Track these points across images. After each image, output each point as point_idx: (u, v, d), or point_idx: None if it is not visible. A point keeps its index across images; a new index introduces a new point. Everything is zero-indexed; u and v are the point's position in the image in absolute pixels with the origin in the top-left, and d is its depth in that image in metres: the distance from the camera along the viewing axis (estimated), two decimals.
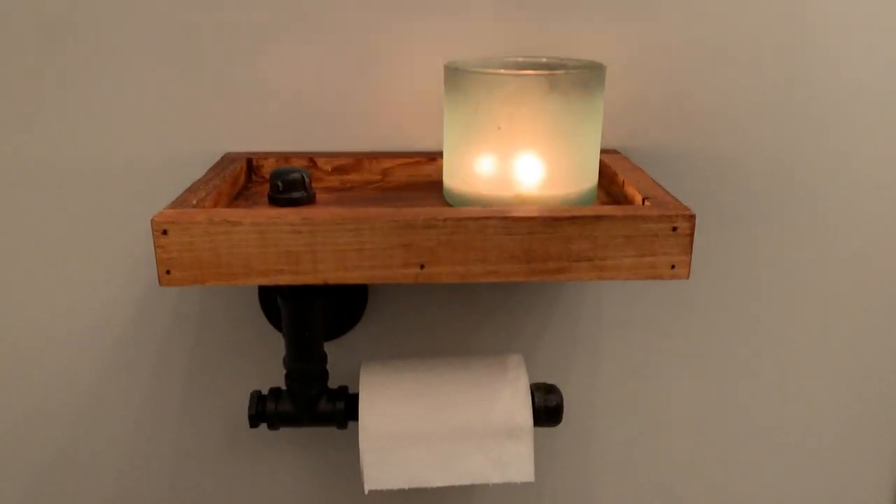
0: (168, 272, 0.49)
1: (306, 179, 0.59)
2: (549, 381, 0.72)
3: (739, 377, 0.75)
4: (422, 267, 0.50)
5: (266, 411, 0.65)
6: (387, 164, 0.66)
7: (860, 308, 0.73)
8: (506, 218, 0.49)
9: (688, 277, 0.51)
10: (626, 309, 0.73)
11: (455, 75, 0.54)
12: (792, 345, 0.74)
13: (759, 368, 0.75)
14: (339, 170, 0.66)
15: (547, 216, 0.49)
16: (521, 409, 0.62)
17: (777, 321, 0.73)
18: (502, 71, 0.52)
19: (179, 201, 0.52)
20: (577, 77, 0.53)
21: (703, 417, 0.76)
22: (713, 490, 0.78)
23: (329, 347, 0.72)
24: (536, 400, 0.65)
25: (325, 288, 0.64)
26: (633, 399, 0.75)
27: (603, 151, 0.66)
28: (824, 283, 0.73)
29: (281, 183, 0.59)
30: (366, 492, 0.62)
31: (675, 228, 0.50)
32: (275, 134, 0.67)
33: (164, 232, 0.48)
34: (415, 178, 0.66)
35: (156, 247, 0.49)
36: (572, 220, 0.49)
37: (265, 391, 0.73)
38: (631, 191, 0.56)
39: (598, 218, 0.49)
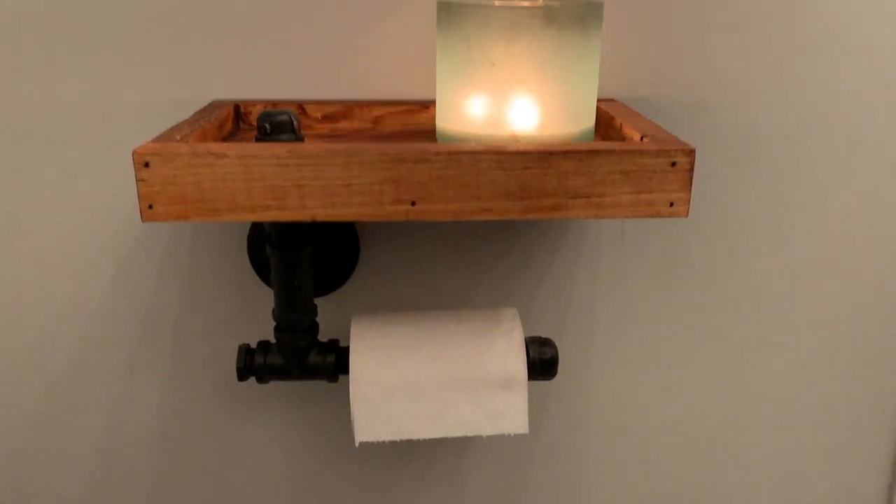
0: (150, 207, 0.47)
1: (295, 122, 0.58)
2: (545, 336, 0.71)
3: (738, 327, 0.74)
4: (413, 204, 0.49)
5: (255, 364, 0.64)
6: (378, 111, 0.64)
7: (862, 246, 0.72)
8: (500, 152, 0.48)
9: (686, 216, 0.49)
10: (623, 263, 0.71)
11: (447, 9, 0.53)
12: (792, 290, 0.73)
13: (758, 319, 0.74)
14: (329, 118, 0.64)
15: (542, 150, 0.48)
16: (515, 359, 0.61)
17: (778, 269, 0.72)
18: (496, 2, 0.50)
19: (162, 137, 0.50)
20: (573, 12, 0.52)
21: (701, 370, 0.75)
22: (710, 443, 0.77)
23: (319, 304, 0.70)
24: (531, 353, 0.63)
25: (314, 234, 0.62)
26: (630, 353, 0.74)
27: (600, 100, 0.65)
28: (824, 228, 0.71)
29: (268, 125, 0.57)
30: (356, 444, 0.61)
31: (674, 164, 0.48)
32: (263, 81, 0.65)
33: (146, 164, 0.47)
34: (408, 127, 0.65)
35: (137, 180, 0.47)
36: (568, 154, 0.48)
37: (255, 345, 0.72)
38: (629, 131, 0.54)
39: (594, 152, 0.48)
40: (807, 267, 0.72)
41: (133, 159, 0.47)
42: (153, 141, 0.49)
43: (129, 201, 0.67)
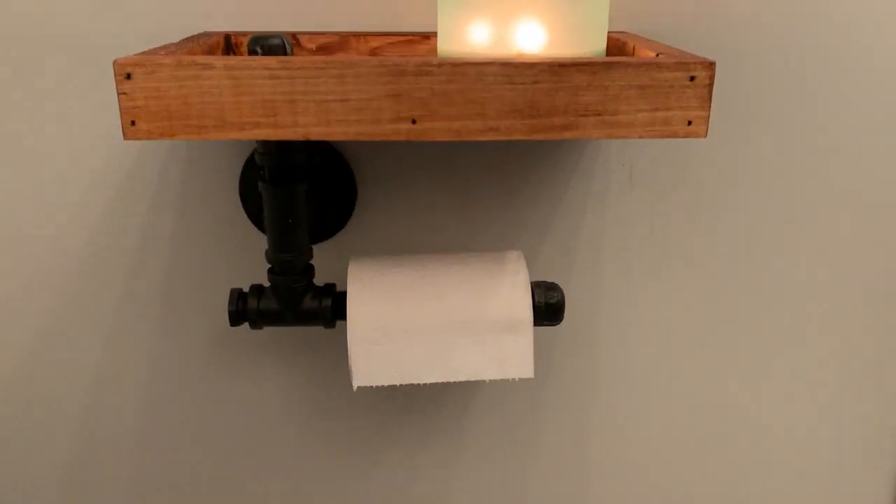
0: (133, 123, 0.44)
1: (287, 47, 0.55)
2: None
3: (751, 269, 0.71)
4: (413, 122, 0.45)
5: (247, 309, 0.61)
6: (376, 42, 0.61)
7: (881, 172, 0.69)
8: (507, 64, 0.44)
9: (705, 135, 0.46)
10: (632, 207, 0.68)
11: None
12: (808, 230, 0.70)
13: (772, 262, 0.71)
14: (323, 49, 0.61)
15: (552, 62, 0.44)
16: (520, 301, 0.58)
17: (792, 207, 0.69)
18: None
19: (146, 52, 0.47)
20: None
21: (713, 314, 0.72)
22: (721, 387, 0.74)
23: (316, 251, 0.68)
24: (537, 297, 0.60)
25: (308, 171, 0.59)
26: (638, 299, 0.71)
27: (611, 32, 0.62)
28: (842, 162, 0.68)
29: (260, 49, 0.54)
30: (354, 388, 0.58)
31: (692, 78, 0.45)
32: (255, 12, 0.62)
33: (128, 76, 0.43)
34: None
35: (119, 94, 0.44)
36: (581, 67, 0.45)
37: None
38: (643, 52, 0.51)
39: (609, 65, 0.45)
40: (823, 202, 0.69)
41: (114, 71, 0.43)
42: (136, 54, 0.45)
43: (115, 138, 0.64)
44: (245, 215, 0.67)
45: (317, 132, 0.45)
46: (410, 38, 0.61)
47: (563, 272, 0.69)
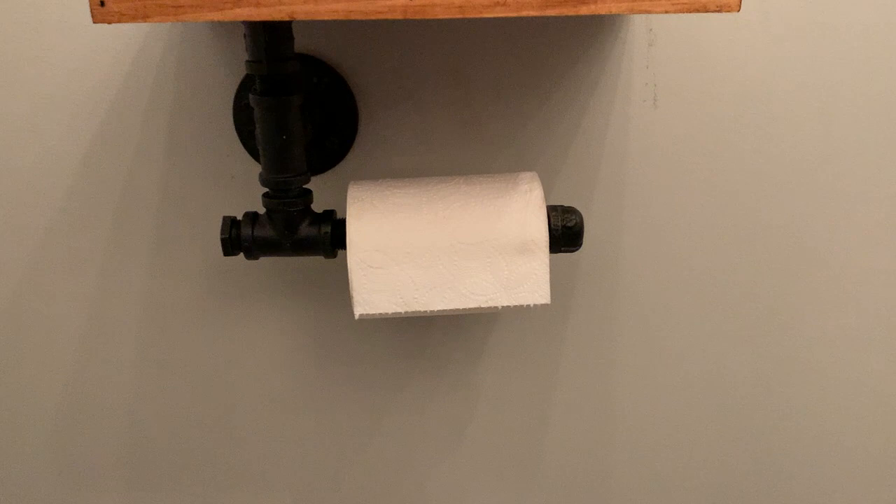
0: (102, 3, 0.40)
1: None
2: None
3: (780, 200, 0.65)
4: None
5: (241, 236, 0.57)
6: None
7: None
8: None
9: (738, 9, 0.41)
10: (655, 130, 0.63)
11: None
12: (843, 164, 0.64)
13: (802, 185, 0.65)
14: None
15: None
16: (534, 220, 0.53)
17: (824, 147, 0.64)
18: None
19: None
20: None
21: (738, 243, 0.67)
22: (743, 319, 0.69)
23: (316, 182, 0.64)
24: (553, 220, 0.56)
25: (303, 81, 0.55)
26: (662, 224, 0.66)
27: None
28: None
29: None
30: (356, 316, 0.54)
31: None
32: None
33: None
34: None
35: None
36: None
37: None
38: None
39: None
40: (861, 131, 0.64)
41: None
42: None
43: (102, 57, 0.60)
44: (241, 144, 0.63)
45: (303, 10, 0.41)
46: None
47: (582, 197, 0.64)
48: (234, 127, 0.63)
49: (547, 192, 0.64)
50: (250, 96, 0.54)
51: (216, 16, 0.41)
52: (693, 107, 0.63)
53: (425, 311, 0.54)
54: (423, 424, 0.71)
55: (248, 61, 0.53)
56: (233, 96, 0.62)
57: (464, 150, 0.63)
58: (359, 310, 0.54)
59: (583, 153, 0.64)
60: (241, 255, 0.63)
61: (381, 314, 0.54)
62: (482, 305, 0.54)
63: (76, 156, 0.63)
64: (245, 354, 0.69)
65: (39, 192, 0.64)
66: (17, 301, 0.67)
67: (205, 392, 0.70)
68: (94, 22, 0.40)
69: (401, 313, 0.54)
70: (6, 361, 0.68)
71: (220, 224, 0.65)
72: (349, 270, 0.53)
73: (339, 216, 0.59)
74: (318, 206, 0.62)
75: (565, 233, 0.56)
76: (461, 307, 0.54)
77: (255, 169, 0.63)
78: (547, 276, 0.53)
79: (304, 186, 0.57)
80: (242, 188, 0.64)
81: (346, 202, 0.62)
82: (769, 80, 0.62)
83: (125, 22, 0.41)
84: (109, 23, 0.41)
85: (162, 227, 0.65)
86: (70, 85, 0.61)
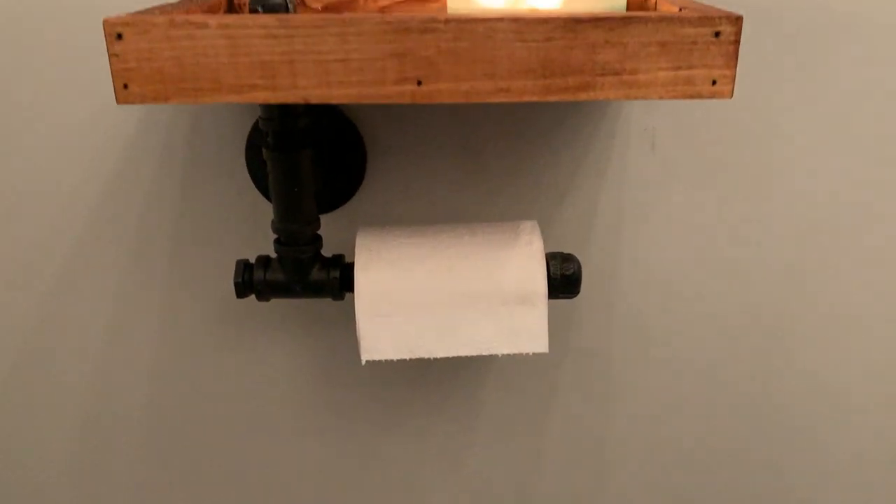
0: (125, 87, 0.42)
1: (290, 6, 0.52)
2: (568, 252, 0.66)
3: (776, 243, 0.68)
4: (419, 83, 0.43)
5: (254, 280, 0.59)
6: (384, 1, 0.58)
7: None
8: (518, 20, 0.42)
9: (731, 96, 0.43)
10: (653, 175, 0.65)
11: None
12: (839, 206, 0.67)
13: (798, 237, 0.68)
14: (329, 8, 0.58)
15: (567, 18, 0.42)
16: (534, 272, 0.56)
17: (822, 177, 0.66)
18: None
19: (140, 12, 0.45)
20: None
21: (734, 288, 0.69)
22: (741, 366, 0.72)
23: (324, 221, 0.66)
24: (552, 268, 0.58)
25: (314, 135, 0.57)
26: (658, 271, 0.68)
27: None
28: (880, 116, 0.65)
29: (261, 8, 0.51)
30: (363, 362, 0.56)
31: (717, 34, 0.42)
32: None
33: (119, 36, 0.41)
34: None
35: (110, 55, 0.42)
36: (597, 22, 0.42)
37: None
38: (665, 6, 0.48)
39: (627, 20, 0.42)
40: (857, 180, 0.66)
41: (104, 30, 0.41)
42: (128, 14, 0.43)
43: (117, 110, 0.62)
44: (252, 184, 0.65)
45: (317, 95, 0.43)
46: None
47: (580, 242, 0.67)
48: (245, 167, 0.65)
49: (546, 234, 0.67)
50: (263, 150, 0.56)
51: (234, 98, 0.43)
52: (690, 151, 0.65)
53: (429, 357, 0.56)
54: (421, 460, 0.74)
55: (260, 117, 0.55)
56: (245, 137, 0.64)
57: (466, 193, 0.66)
58: (365, 356, 0.56)
59: (581, 196, 0.66)
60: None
61: (386, 360, 0.56)
62: (483, 353, 0.56)
63: (94, 196, 0.65)
64: (254, 389, 0.72)
65: (57, 232, 0.66)
66: (36, 337, 0.69)
67: (214, 423, 0.73)
68: (118, 103, 0.43)
69: (405, 359, 0.56)
70: (27, 387, 0.71)
71: (230, 263, 0.67)
72: (357, 319, 0.56)
73: (346, 259, 0.61)
74: (326, 243, 0.64)
75: (564, 281, 0.59)
76: (463, 354, 0.57)
77: (266, 207, 0.66)
78: (545, 327, 0.56)
79: (314, 233, 0.59)
80: (253, 225, 0.66)
81: (353, 244, 0.64)
82: (766, 123, 0.64)
83: (147, 103, 0.43)
84: (132, 104, 0.43)
85: (176, 266, 0.67)
86: (91, 125, 0.63)
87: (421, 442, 0.74)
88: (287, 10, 0.52)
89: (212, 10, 0.54)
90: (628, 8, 0.54)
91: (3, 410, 0.72)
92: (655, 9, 0.50)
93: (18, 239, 0.66)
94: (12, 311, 0.69)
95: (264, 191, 0.65)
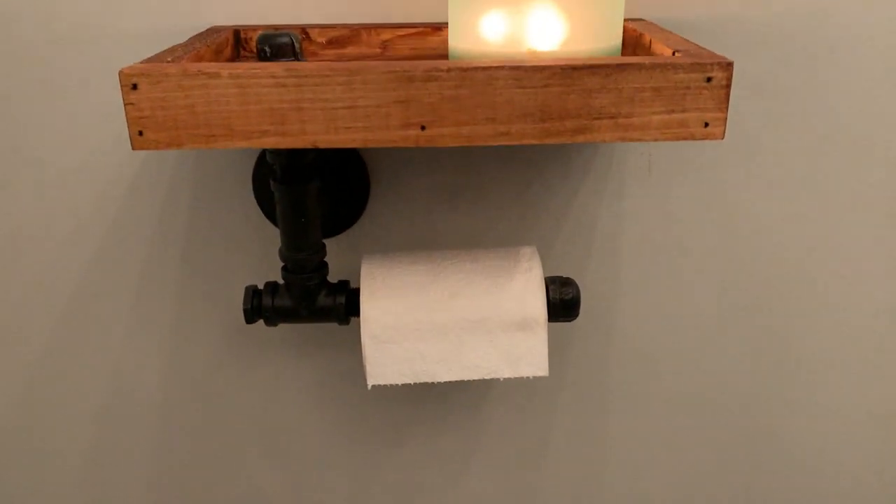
0: (140, 133, 0.44)
1: (296, 45, 0.54)
2: (566, 276, 0.68)
3: (772, 270, 0.70)
4: (422, 128, 0.45)
5: (262, 306, 0.61)
6: (387, 35, 0.60)
7: None
8: (517, 68, 0.43)
9: (722, 137, 0.45)
10: (650, 199, 0.67)
11: None
12: (830, 227, 0.68)
13: (793, 259, 0.69)
14: (334, 42, 0.60)
15: (564, 65, 0.43)
16: (534, 299, 0.58)
17: (817, 207, 0.68)
18: None
19: (153, 59, 0.46)
20: None
21: (730, 314, 0.71)
22: (737, 388, 0.74)
23: (329, 244, 0.67)
24: (551, 293, 0.60)
25: (320, 168, 0.59)
26: (655, 293, 0.70)
27: (628, 20, 0.60)
28: (868, 160, 0.66)
29: (268, 48, 0.53)
30: (368, 387, 0.58)
31: (709, 79, 0.44)
32: (264, 5, 0.61)
33: (134, 86, 0.43)
34: (418, 51, 0.60)
35: (125, 104, 0.43)
36: (593, 69, 0.43)
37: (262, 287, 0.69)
38: (659, 48, 0.50)
39: (622, 67, 0.43)
40: (845, 200, 0.68)
41: (120, 81, 0.43)
42: (142, 62, 0.45)
43: (123, 137, 0.64)
44: (259, 209, 0.67)
45: (325, 140, 0.45)
46: (422, 29, 0.60)
47: (578, 265, 0.69)
48: (252, 193, 0.66)
49: (545, 256, 0.68)
50: (271, 182, 0.58)
51: (245, 144, 0.45)
52: (686, 173, 0.67)
53: (433, 381, 0.58)
54: (422, 480, 0.76)
55: (268, 151, 0.57)
56: (253, 164, 0.65)
57: (468, 217, 0.67)
58: (371, 381, 0.58)
59: (580, 219, 0.68)
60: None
61: (391, 384, 0.58)
62: (486, 377, 0.58)
63: (105, 223, 0.67)
64: (262, 412, 0.74)
65: (70, 257, 0.68)
66: (47, 359, 0.71)
67: (221, 446, 0.75)
68: (134, 149, 0.44)
69: (410, 383, 0.58)
70: (34, 420, 0.73)
71: (238, 286, 0.69)
72: (363, 345, 0.58)
73: (351, 285, 0.63)
74: (331, 266, 0.66)
75: (563, 305, 0.60)
76: (466, 378, 0.58)
77: (272, 231, 0.67)
78: (545, 351, 0.58)
79: (320, 260, 0.61)
80: (261, 249, 0.68)
81: (357, 267, 0.66)
82: (761, 143, 0.66)
83: (161, 149, 0.44)
84: (147, 150, 0.45)
85: (185, 290, 0.69)
86: (103, 152, 0.65)
87: (425, 457, 0.76)
88: (293, 48, 0.54)
89: (219, 49, 0.56)
90: (624, 45, 0.56)
91: (17, 428, 0.74)
92: (650, 48, 0.52)
93: (31, 264, 0.68)
94: (25, 336, 0.70)
95: (270, 216, 0.67)
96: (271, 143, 0.45)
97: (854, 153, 0.66)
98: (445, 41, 0.60)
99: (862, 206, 0.68)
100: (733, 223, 0.68)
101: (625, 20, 0.57)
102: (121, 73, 0.43)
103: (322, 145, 0.45)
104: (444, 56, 0.59)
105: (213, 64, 0.44)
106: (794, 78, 0.63)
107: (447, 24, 0.58)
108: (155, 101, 0.43)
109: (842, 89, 0.64)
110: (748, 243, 0.69)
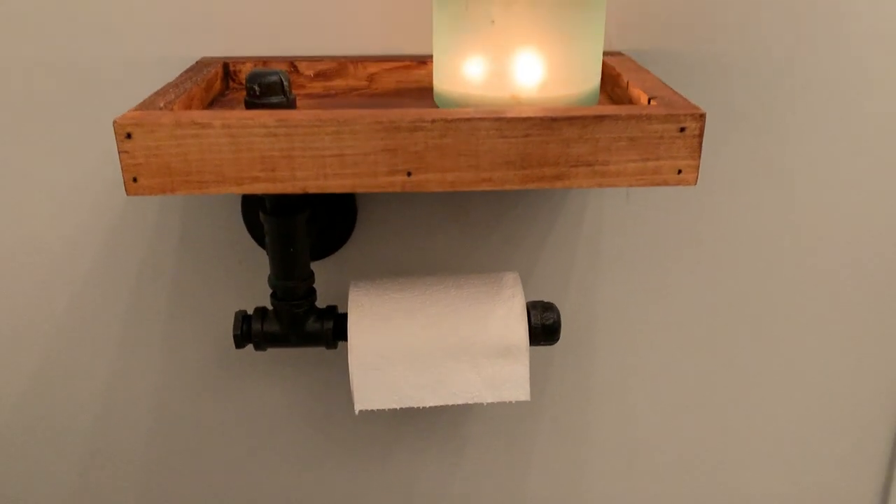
0: (135, 180, 0.46)
1: (285, 83, 0.55)
2: (547, 300, 0.70)
3: (746, 295, 0.72)
4: (409, 174, 0.46)
5: (252, 331, 0.63)
6: (373, 68, 0.62)
7: (882, 219, 0.70)
8: (499, 119, 0.45)
9: (695, 183, 0.47)
10: (629, 225, 0.69)
11: None
12: (801, 257, 0.71)
13: (767, 283, 0.72)
14: (321, 75, 0.61)
15: (544, 117, 0.45)
16: (516, 327, 0.60)
17: (788, 235, 0.70)
18: None
19: (146, 104, 0.48)
20: None
21: (705, 336, 0.74)
22: (711, 411, 0.77)
23: (317, 267, 0.69)
24: (533, 318, 0.62)
25: (309, 201, 0.60)
26: (633, 317, 0.73)
27: (606, 54, 0.62)
28: (836, 191, 0.69)
29: (258, 87, 0.54)
30: (356, 412, 0.60)
31: (682, 129, 0.46)
32: (253, 37, 0.62)
33: (128, 136, 0.44)
34: (403, 84, 0.62)
35: (120, 152, 0.45)
36: (571, 120, 0.45)
37: (252, 311, 0.70)
38: (636, 92, 0.52)
39: (599, 118, 0.45)
40: (816, 234, 0.70)
41: (114, 130, 0.44)
42: (136, 109, 0.46)
43: (115, 164, 0.65)
44: (249, 235, 0.68)
45: (314, 185, 0.46)
46: (407, 63, 0.62)
47: (558, 288, 0.71)
48: (242, 218, 0.68)
49: (526, 281, 0.71)
50: (260, 213, 0.59)
51: (236, 189, 0.46)
52: (663, 201, 0.69)
53: (418, 406, 0.60)
54: (411, 485, 0.79)
55: None
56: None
57: (452, 241, 0.69)
58: (359, 406, 0.60)
59: (560, 245, 0.70)
60: None
61: (378, 409, 0.60)
62: (469, 402, 0.61)
63: (96, 248, 0.68)
64: (251, 434, 0.75)
65: (61, 281, 0.69)
66: (38, 384, 0.72)
67: (216, 458, 0.77)
68: (128, 194, 0.46)
69: (396, 408, 0.60)
70: (28, 435, 0.75)
71: (227, 308, 0.70)
72: (350, 371, 0.60)
73: (339, 309, 0.65)
74: (318, 287, 0.67)
75: (544, 330, 0.63)
76: (450, 403, 0.61)
77: (260, 254, 0.69)
78: (527, 377, 0.60)
79: (309, 287, 0.63)
80: (250, 274, 0.69)
81: (344, 289, 0.68)
82: (737, 171, 0.68)
83: (155, 194, 0.46)
84: (140, 195, 0.46)
85: (174, 312, 0.70)
86: (93, 178, 0.66)
87: (409, 475, 0.78)
88: (282, 86, 0.55)
89: (209, 85, 0.57)
90: (602, 80, 0.58)
91: (8, 455, 0.75)
92: (627, 89, 0.54)
93: (20, 285, 0.69)
94: (15, 359, 0.72)
95: (260, 241, 0.68)
96: (262, 188, 0.46)
97: (825, 192, 0.69)
98: (430, 74, 0.61)
99: (831, 251, 0.70)
100: (711, 249, 0.70)
101: (603, 53, 0.59)
102: (115, 122, 0.44)
103: (312, 190, 0.46)
104: (429, 89, 0.60)
105: (205, 113, 0.45)
106: (768, 108, 0.66)
107: (431, 56, 0.60)
108: (149, 150, 0.45)
109: (816, 118, 0.66)
110: (727, 268, 0.71)
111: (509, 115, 0.45)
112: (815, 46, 0.64)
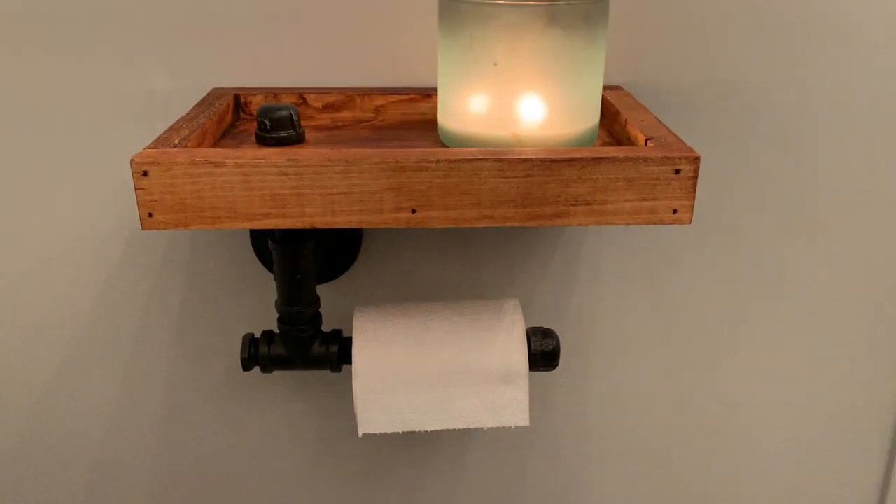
0: (150, 215, 0.47)
1: (294, 118, 0.57)
2: (547, 326, 0.72)
3: (740, 323, 0.74)
4: (413, 211, 0.48)
5: (259, 354, 0.65)
6: (379, 101, 0.63)
7: (871, 256, 0.72)
8: (501, 160, 0.47)
9: (690, 222, 0.49)
10: (626, 254, 0.71)
11: (449, 6, 0.51)
12: (794, 289, 0.73)
13: (760, 313, 0.74)
14: (329, 107, 0.63)
15: (544, 158, 0.47)
16: (516, 353, 0.62)
17: (781, 268, 0.72)
18: (500, 1, 0.49)
19: (161, 140, 0.50)
20: (578, 9, 0.50)
21: (703, 361, 0.75)
22: (709, 435, 0.78)
23: (322, 290, 0.71)
24: (533, 344, 0.64)
25: (315, 231, 0.62)
26: (632, 344, 0.74)
27: (605, 88, 0.63)
28: (831, 230, 0.71)
29: (268, 121, 0.56)
30: (360, 435, 0.62)
31: (678, 171, 0.47)
32: (264, 69, 0.64)
33: (145, 173, 0.46)
34: (409, 116, 0.64)
35: (136, 189, 0.47)
36: (571, 161, 0.47)
37: (259, 334, 0.72)
38: (634, 131, 0.53)
39: (597, 160, 0.47)
40: (809, 267, 0.72)
41: (131, 168, 0.46)
42: (151, 146, 0.48)
43: (128, 193, 0.67)
44: (257, 259, 0.70)
45: (322, 221, 0.48)
46: (412, 96, 0.63)
47: (558, 315, 0.72)
48: (250, 243, 0.70)
49: (526, 307, 0.72)
50: (269, 241, 0.61)
51: (247, 225, 0.48)
52: (662, 228, 0.70)
53: (420, 430, 0.62)
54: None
55: None
56: None
57: (455, 266, 0.71)
58: (362, 429, 0.62)
59: (560, 271, 0.71)
60: None
61: (381, 432, 0.62)
62: (470, 426, 0.62)
63: (106, 271, 0.69)
64: (257, 456, 0.77)
65: (71, 304, 0.71)
66: (46, 406, 0.74)
67: (221, 474, 0.78)
68: (143, 228, 0.48)
69: (399, 432, 0.62)
70: (32, 467, 0.76)
71: (238, 330, 0.72)
72: (354, 395, 0.61)
73: (344, 334, 0.66)
74: (323, 310, 0.69)
75: (543, 356, 0.64)
76: (451, 427, 0.62)
77: (270, 280, 0.71)
78: (527, 402, 0.62)
79: (315, 312, 0.64)
80: (258, 298, 0.71)
81: (349, 312, 0.70)
82: (730, 188, 0.69)
83: (169, 229, 0.48)
84: (155, 229, 0.48)
85: (183, 335, 0.72)
86: (104, 205, 0.67)
87: (411, 497, 0.79)
88: (292, 120, 0.57)
89: (221, 118, 0.59)
90: (602, 115, 0.59)
91: (14, 477, 0.77)
92: (626, 127, 0.55)
93: (29, 312, 0.71)
94: (28, 383, 0.73)
95: (268, 266, 0.70)
96: (272, 224, 0.48)
97: (819, 231, 0.70)
98: (434, 107, 0.63)
99: (825, 285, 0.72)
100: (706, 277, 0.72)
101: (603, 88, 0.60)
102: (132, 161, 0.46)
103: (320, 226, 0.48)
104: (434, 122, 0.62)
105: (219, 152, 0.47)
106: (763, 143, 0.67)
107: (436, 90, 0.62)
108: (164, 187, 0.47)
109: (816, 148, 0.68)
110: (725, 294, 0.73)
111: (510, 155, 0.47)
112: (814, 78, 0.65)
